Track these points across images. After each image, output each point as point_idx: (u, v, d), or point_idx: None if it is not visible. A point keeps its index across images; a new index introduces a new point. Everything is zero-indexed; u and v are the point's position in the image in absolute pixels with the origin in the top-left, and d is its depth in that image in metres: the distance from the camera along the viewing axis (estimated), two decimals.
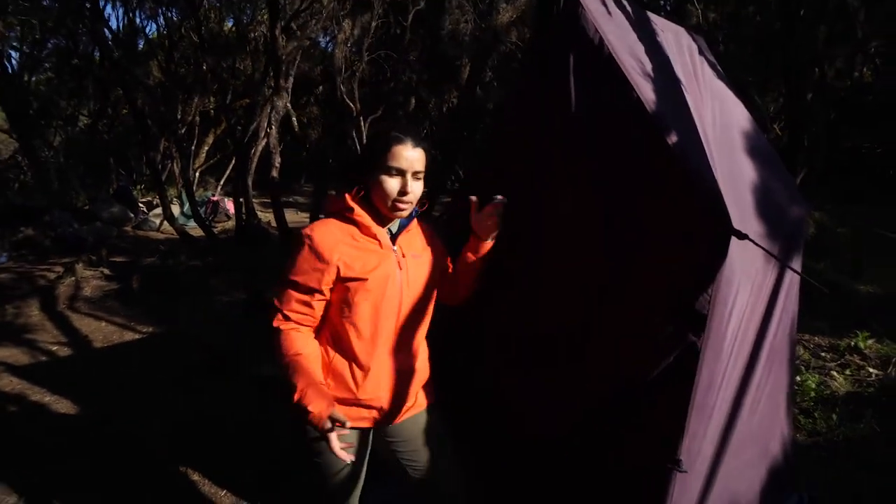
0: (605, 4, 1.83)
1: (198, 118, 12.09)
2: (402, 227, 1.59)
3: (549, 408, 1.74)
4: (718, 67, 2.32)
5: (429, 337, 1.69)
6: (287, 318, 1.48)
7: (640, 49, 1.79)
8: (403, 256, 1.57)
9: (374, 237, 1.52)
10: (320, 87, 13.49)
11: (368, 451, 1.64)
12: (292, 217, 9.25)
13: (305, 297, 1.47)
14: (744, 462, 1.80)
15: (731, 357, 1.59)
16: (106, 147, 12.64)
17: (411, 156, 1.49)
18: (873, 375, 3.42)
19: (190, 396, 3.49)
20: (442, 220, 2.14)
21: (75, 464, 2.79)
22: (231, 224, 9.37)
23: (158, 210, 8.98)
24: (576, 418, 1.68)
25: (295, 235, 1.52)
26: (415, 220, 1.63)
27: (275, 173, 5.90)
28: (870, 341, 3.76)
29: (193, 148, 12.03)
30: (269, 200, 6.94)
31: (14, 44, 11.41)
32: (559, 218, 1.71)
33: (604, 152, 1.63)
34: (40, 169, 10.28)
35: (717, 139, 1.79)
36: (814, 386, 3.24)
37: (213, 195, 10.85)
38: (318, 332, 1.55)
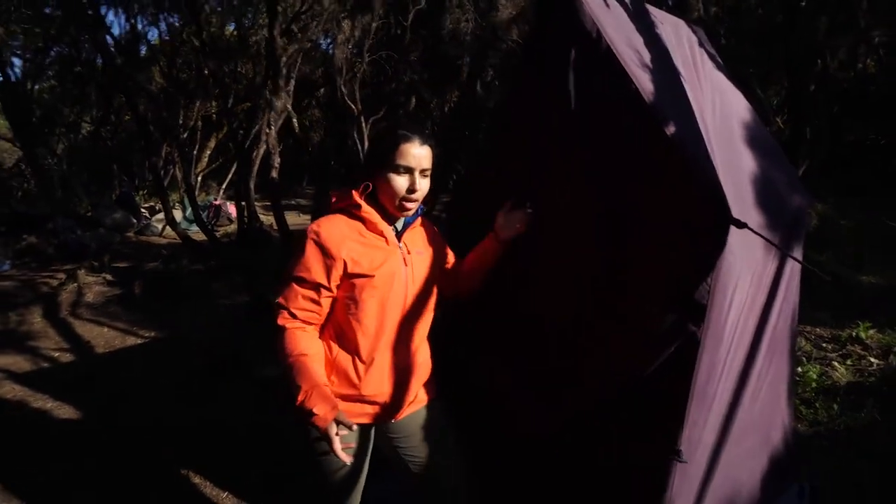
0: None
1: (200, 123, 12.15)
2: (407, 225, 1.59)
3: (542, 406, 1.73)
4: (718, 59, 2.30)
5: (430, 334, 1.69)
6: (293, 316, 1.47)
7: (638, 41, 1.77)
8: (409, 253, 1.57)
9: (381, 234, 1.52)
10: (321, 90, 13.50)
11: (370, 448, 1.63)
12: (294, 219, 9.27)
13: (312, 294, 1.46)
14: (745, 451, 1.78)
15: (732, 347, 1.57)
16: (109, 153, 12.73)
17: (419, 153, 1.49)
18: (874, 365, 3.39)
19: (193, 400, 3.49)
20: (442, 218, 2.14)
21: (80, 465, 2.80)
22: (233, 228, 9.40)
23: (161, 215, 9.01)
24: (568, 416, 1.67)
25: (301, 232, 1.51)
26: (420, 218, 1.63)
27: (274, 174, 5.89)
28: (871, 331, 3.74)
29: (195, 152, 12.08)
30: (271, 203, 6.95)
31: (17, 52, 11.48)
32: (559, 213, 1.70)
33: (603, 145, 1.62)
34: (43, 176, 10.34)
35: (717, 130, 1.78)
36: (815, 376, 3.21)
37: (216, 199, 10.88)
38: (322, 329, 1.55)
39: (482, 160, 2.12)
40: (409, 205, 1.51)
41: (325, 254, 1.45)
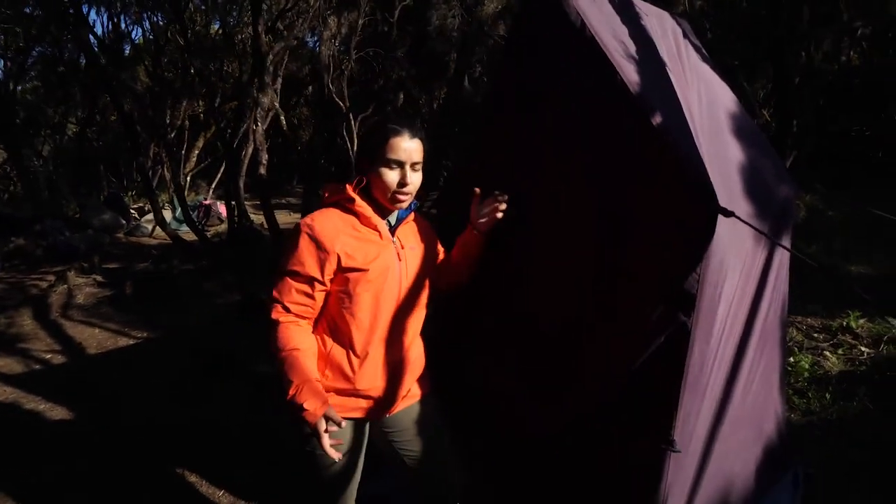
0: None
1: (187, 122, 12.03)
2: (400, 220, 1.60)
3: (538, 408, 1.74)
4: (703, 51, 2.32)
5: (424, 331, 1.69)
6: (287, 310, 1.47)
7: (623, 32, 1.78)
8: (403, 248, 1.58)
9: (375, 228, 1.53)
10: (309, 88, 13.43)
11: (365, 443, 1.64)
12: (285, 218, 9.22)
13: (306, 288, 1.47)
14: (738, 442, 1.81)
15: (723, 338, 1.59)
16: (95, 154, 12.58)
17: (409, 147, 1.50)
18: (865, 354, 3.44)
19: (186, 400, 3.47)
20: (432, 214, 2.14)
21: (73, 466, 2.78)
22: (224, 227, 9.32)
23: (150, 216, 8.93)
24: (568, 418, 1.68)
25: (293, 230, 1.51)
26: (413, 213, 1.64)
27: (262, 170, 5.84)
28: (861, 321, 3.79)
29: (184, 152, 11.96)
30: (261, 202, 6.92)
31: None
32: (552, 213, 1.70)
33: (593, 142, 1.62)
34: (29, 178, 10.22)
35: (703, 120, 1.79)
36: (807, 366, 3.26)
37: (205, 199, 10.79)
38: (316, 323, 1.55)
39: (467, 154, 2.13)
40: (401, 198, 1.52)
41: (319, 247, 1.45)
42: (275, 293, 1.48)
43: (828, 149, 8.60)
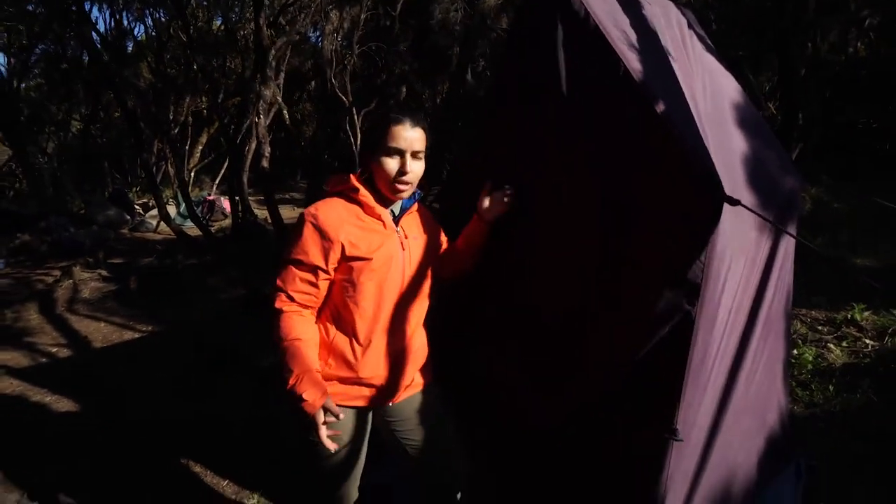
0: None
1: (190, 118, 12.06)
2: (404, 210, 1.61)
3: (541, 398, 1.73)
4: (708, 41, 2.30)
5: (427, 321, 1.70)
6: (291, 299, 1.47)
7: (626, 21, 1.77)
8: (406, 238, 1.58)
9: (378, 218, 1.53)
10: (312, 83, 13.43)
11: (368, 432, 1.64)
12: (289, 213, 9.22)
13: (310, 276, 1.47)
14: (741, 433, 1.80)
15: (726, 328, 1.58)
16: (99, 151, 12.63)
17: (410, 135, 1.50)
18: (869, 346, 3.42)
19: (190, 394, 3.49)
20: (435, 208, 2.14)
21: (77, 463, 2.80)
22: (228, 222, 9.35)
23: (155, 212, 8.96)
24: (570, 408, 1.68)
25: (299, 215, 1.52)
26: (416, 204, 1.64)
27: (265, 163, 5.84)
28: (866, 313, 3.76)
29: (187, 148, 12.02)
30: (264, 197, 6.93)
31: (1, 50, 11.35)
32: (556, 203, 1.70)
33: (598, 132, 1.61)
34: (34, 175, 10.26)
35: (708, 111, 1.78)
36: (811, 358, 3.24)
37: (209, 194, 10.82)
38: (319, 312, 1.56)
39: (471, 147, 2.12)
40: (402, 187, 1.52)
41: (323, 236, 1.45)
42: (279, 282, 1.48)
43: (834, 140, 8.55)
